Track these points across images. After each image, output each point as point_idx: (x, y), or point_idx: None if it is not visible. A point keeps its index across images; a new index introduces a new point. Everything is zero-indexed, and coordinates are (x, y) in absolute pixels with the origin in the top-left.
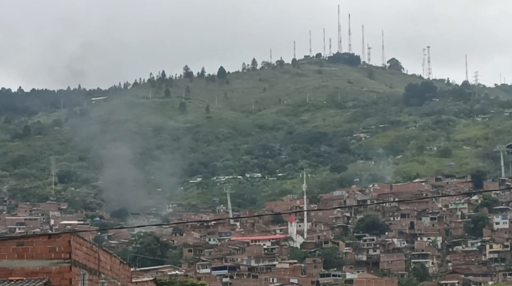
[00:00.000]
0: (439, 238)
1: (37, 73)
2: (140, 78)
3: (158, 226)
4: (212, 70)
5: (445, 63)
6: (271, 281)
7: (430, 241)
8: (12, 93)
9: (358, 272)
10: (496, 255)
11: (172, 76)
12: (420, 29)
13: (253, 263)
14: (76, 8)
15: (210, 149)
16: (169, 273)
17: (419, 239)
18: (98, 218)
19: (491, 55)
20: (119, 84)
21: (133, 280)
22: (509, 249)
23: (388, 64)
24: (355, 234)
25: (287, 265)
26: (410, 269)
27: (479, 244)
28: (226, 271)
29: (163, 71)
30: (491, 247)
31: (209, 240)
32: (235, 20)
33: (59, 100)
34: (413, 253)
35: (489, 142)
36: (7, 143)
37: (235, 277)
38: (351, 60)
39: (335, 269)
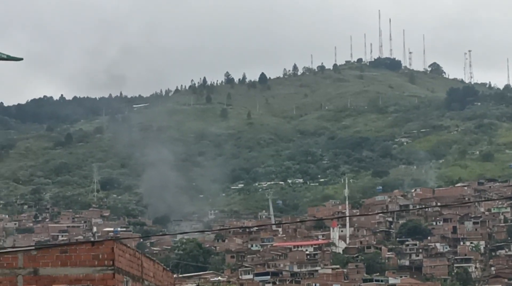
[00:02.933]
0: (482, 243)
1: (78, 80)
2: (182, 85)
3: (200, 233)
4: (253, 76)
5: (486, 67)
6: None
7: (473, 245)
8: (54, 101)
9: (401, 277)
10: None
11: (214, 82)
12: (461, 33)
13: (295, 269)
14: (117, 13)
15: (252, 155)
16: (211, 279)
17: (461, 243)
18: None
19: None
20: (160, 91)
21: None
22: None
23: (429, 69)
24: (397, 239)
25: (329, 271)
26: (453, 273)
27: None
28: (269, 277)
29: (204, 77)
30: None
31: (252, 246)
32: (276, 26)
33: (100, 108)
34: (456, 257)
35: None
36: (49, 150)
37: (277, 283)
38: (392, 64)
39: (377, 274)
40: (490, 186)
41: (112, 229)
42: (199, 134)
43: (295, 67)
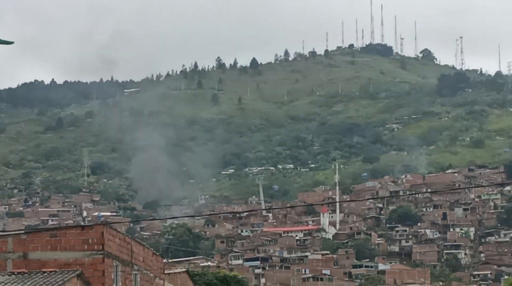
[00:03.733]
0: (472, 229)
1: (69, 64)
2: (173, 70)
3: (190, 218)
4: (244, 61)
5: (478, 54)
6: (303, 272)
7: (463, 232)
8: (45, 85)
9: (391, 263)
10: None
11: (205, 67)
12: (453, 19)
13: (285, 254)
14: None
15: (243, 140)
16: (201, 264)
17: (451, 230)
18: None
19: None
20: (152, 75)
21: (165, 272)
22: None
23: (420, 55)
24: (387, 225)
25: (319, 256)
26: (442, 260)
27: None
28: (259, 262)
29: (196, 62)
30: None
31: (242, 231)
32: (267, 11)
33: (91, 92)
34: (445, 244)
35: None
36: (40, 135)
37: (267, 268)
38: (383, 50)
39: (367, 260)
40: (480, 173)
41: (102, 213)
42: (190, 119)
43: (286, 53)
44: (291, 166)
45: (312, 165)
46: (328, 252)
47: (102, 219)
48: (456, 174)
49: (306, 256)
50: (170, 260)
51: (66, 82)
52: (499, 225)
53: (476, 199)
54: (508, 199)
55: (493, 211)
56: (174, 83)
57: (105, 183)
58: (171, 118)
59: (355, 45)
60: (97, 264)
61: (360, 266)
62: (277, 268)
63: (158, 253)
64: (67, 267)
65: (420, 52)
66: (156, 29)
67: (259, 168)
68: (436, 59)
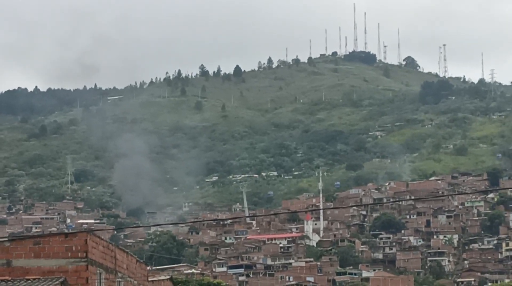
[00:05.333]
0: (455, 236)
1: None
2: (156, 77)
3: (174, 225)
4: (228, 69)
5: (461, 61)
6: (287, 279)
7: (446, 239)
8: (29, 93)
9: (374, 270)
10: None
11: (188, 75)
12: (436, 27)
13: (269, 262)
14: (91, 4)
15: (226, 148)
16: (185, 271)
17: (435, 237)
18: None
19: (508, 53)
20: (135, 83)
21: (149, 279)
22: None
23: (404, 62)
24: (371, 232)
25: (303, 264)
26: (426, 267)
27: (495, 242)
28: (242, 269)
29: (179, 70)
30: (507, 245)
31: (225, 238)
32: (251, 19)
33: (75, 100)
34: (429, 251)
35: (505, 140)
36: (23, 142)
37: (251, 276)
38: (367, 58)
39: (351, 267)
40: (463, 180)
41: (86, 221)
42: (174, 127)
43: (270, 60)
44: (275, 173)
45: (296, 173)
46: (312, 259)
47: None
48: (439, 182)
49: (290, 264)
50: (154, 268)
51: (49, 89)
52: (482, 232)
53: (460, 206)
54: (491, 206)
55: (477, 218)
56: (158, 91)
57: (88, 190)
58: (154, 125)
59: (338, 53)
60: (81, 271)
61: (344, 274)
62: (261, 275)
63: (141, 261)
64: (50, 275)
65: (404, 60)
66: (139, 36)
67: (243, 176)
68: (419, 66)
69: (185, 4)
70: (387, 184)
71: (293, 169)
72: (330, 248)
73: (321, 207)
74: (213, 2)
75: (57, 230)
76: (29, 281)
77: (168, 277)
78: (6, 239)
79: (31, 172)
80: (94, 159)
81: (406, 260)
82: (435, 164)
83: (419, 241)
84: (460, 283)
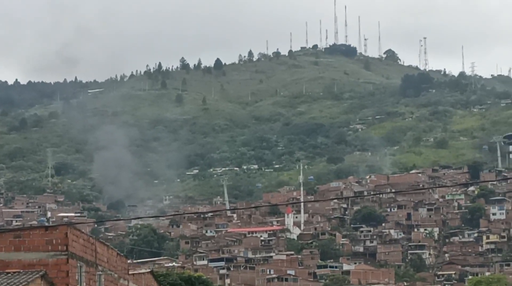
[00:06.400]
0: (436, 229)
1: (32, 63)
2: (137, 70)
3: (155, 218)
4: (208, 62)
5: (441, 54)
6: (268, 272)
7: (427, 232)
8: (9, 86)
9: (355, 263)
10: (493, 246)
11: (169, 68)
12: (416, 20)
13: (250, 255)
14: None
15: (207, 141)
16: (166, 265)
17: (416, 230)
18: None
19: (488, 46)
20: (116, 76)
21: (130, 272)
22: (505, 239)
23: (384, 55)
24: (352, 225)
25: (284, 257)
26: (407, 260)
27: (475, 235)
28: (223, 262)
29: (160, 62)
30: (487, 238)
31: (206, 232)
32: (231, 12)
33: (55, 92)
34: (410, 244)
35: (485, 133)
36: (3, 135)
37: (232, 269)
38: (347, 51)
39: (332, 260)
40: (444, 173)
41: (67, 214)
42: (154, 120)
43: (250, 53)
44: (256, 166)
45: (277, 166)
46: (292, 252)
47: (45, 223)
48: (420, 175)
49: (271, 257)
50: (134, 261)
51: (29, 82)
52: (463, 225)
53: (440, 200)
54: (471, 199)
55: (457, 211)
56: (138, 84)
57: (69, 183)
58: (135, 118)
59: (319, 46)
60: (61, 264)
61: (325, 267)
62: (241, 268)
63: (122, 254)
64: (31, 268)
65: (384, 53)
66: (119, 28)
67: (224, 169)
68: (400, 59)
69: None
70: (367, 177)
71: (274, 162)
72: (310, 241)
73: (302, 200)
74: None
75: (37, 224)
76: (9, 275)
77: (148, 270)
78: None
79: (12, 165)
80: (74, 152)
81: (386, 253)
82: (416, 157)
83: (400, 234)
84: (440, 276)
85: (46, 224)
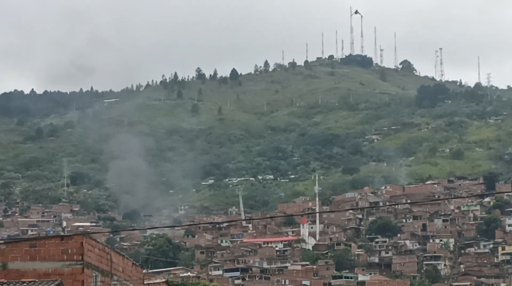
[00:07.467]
0: (451, 240)
1: (48, 73)
2: (153, 80)
3: (170, 228)
4: (224, 72)
5: (457, 65)
6: (283, 283)
7: (443, 243)
8: (25, 95)
9: (370, 274)
10: (508, 257)
11: (185, 78)
12: (432, 30)
13: (265, 265)
14: (87, 4)
15: (223, 151)
16: (181, 275)
17: (431, 241)
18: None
19: (504, 57)
20: (132, 85)
21: (145, 282)
22: None
23: (400, 66)
24: (367, 236)
25: (299, 267)
26: (422, 271)
27: (491, 246)
28: (238, 273)
29: (176, 72)
30: (503, 249)
31: (221, 242)
32: (247, 22)
33: (71, 102)
34: (425, 255)
35: (501, 144)
36: (19, 145)
37: (247, 279)
38: (363, 62)
39: (347, 271)
40: (460, 184)
41: (82, 224)
42: (170, 130)
43: (266, 63)
44: (271, 176)
45: (292, 176)
46: (308, 263)
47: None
48: (435, 185)
49: (286, 267)
50: (149, 271)
51: (45, 92)
52: (478, 236)
53: (456, 210)
54: (487, 210)
55: (473, 222)
56: (154, 94)
57: (84, 193)
58: (151, 128)
59: (335, 56)
60: (77, 274)
61: (340, 277)
62: (256, 278)
63: (137, 264)
64: (46, 277)
65: (400, 63)
66: (136, 38)
67: (239, 179)
68: (415, 70)
69: (183, 7)
70: (383, 187)
71: (289, 172)
72: (326, 251)
73: (317, 211)
74: (211, 5)
75: (53, 233)
76: (25, 284)
77: (164, 280)
78: (2, 241)
79: (27, 175)
80: (90, 162)
81: (402, 264)
82: (431, 168)
83: (415, 245)
84: None
85: (59, 233)
